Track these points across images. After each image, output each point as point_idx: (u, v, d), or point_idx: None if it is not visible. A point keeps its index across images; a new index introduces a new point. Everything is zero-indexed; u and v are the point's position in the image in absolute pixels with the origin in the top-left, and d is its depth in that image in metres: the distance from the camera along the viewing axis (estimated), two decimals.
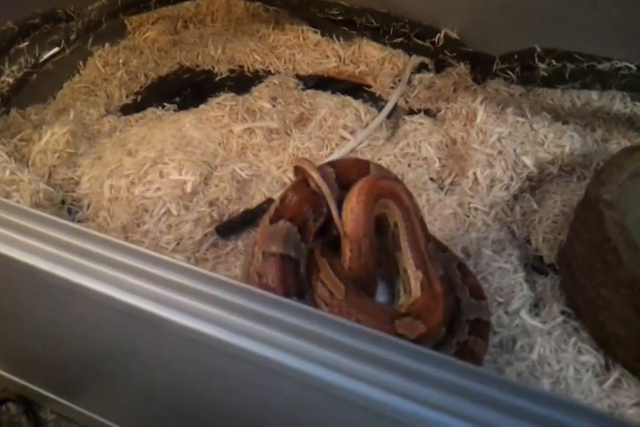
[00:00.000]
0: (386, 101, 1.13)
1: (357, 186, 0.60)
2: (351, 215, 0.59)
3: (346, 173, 0.62)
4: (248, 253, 0.58)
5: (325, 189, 0.58)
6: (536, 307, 0.77)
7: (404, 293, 0.60)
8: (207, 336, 0.41)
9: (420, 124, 1.04)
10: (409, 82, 1.16)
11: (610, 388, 0.67)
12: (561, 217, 0.89)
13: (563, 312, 0.76)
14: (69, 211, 0.89)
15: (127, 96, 1.14)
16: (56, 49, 0.90)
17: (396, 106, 1.12)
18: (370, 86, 1.18)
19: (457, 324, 0.63)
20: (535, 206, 0.92)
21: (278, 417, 0.50)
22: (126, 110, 1.11)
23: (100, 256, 0.45)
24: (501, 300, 0.75)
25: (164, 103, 1.11)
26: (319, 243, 0.61)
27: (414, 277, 0.59)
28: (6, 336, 0.64)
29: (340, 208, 0.59)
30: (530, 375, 0.67)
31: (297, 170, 0.62)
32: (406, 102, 1.15)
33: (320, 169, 0.60)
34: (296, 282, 0.55)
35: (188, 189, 0.86)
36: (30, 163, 0.91)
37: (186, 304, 0.42)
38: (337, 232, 0.60)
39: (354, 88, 1.17)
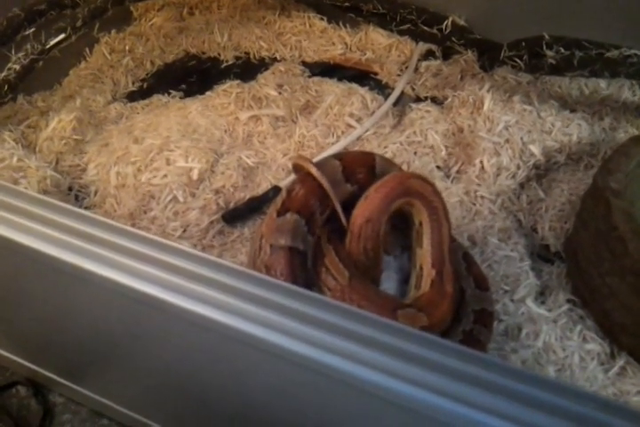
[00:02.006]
0: (392, 89, 1.12)
1: (385, 179, 0.60)
2: (364, 202, 0.60)
3: (352, 166, 0.62)
4: (254, 246, 0.58)
5: (326, 185, 0.58)
6: (542, 295, 0.77)
7: (415, 288, 0.60)
8: (213, 321, 0.41)
9: (427, 111, 1.04)
10: (416, 69, 1.16)
11: (615, 376, 0.68)
12: (567, 206, 0.89)
13: (568, 300, 0.76)
14: (76, 197, 0.89)
15: (133, 83, 1.13)
16: (62, 36, 0.90)
17: (402, 93, 1.12)
18: (376, 74, 1.17)
19: (462, 313, 0.63)
20: (542, 195, 0.92)
21: (280, 399, 0.50)
22: (132, 97, 1.11)
23: (106, 242, 0.46)
24: (507, 288, 0.76)
25: (170, 90, 1.11)
26: (326, 230, 0.61)
27: (427, 275, 0.60)
28: (15, 321, 0.65)
29: (346, 203, 0.60)
30: (535, 363, 0.68)
31: (296, 167, 0.62)
32: (413, 90, 1.15)
33: (326, 162, 0.60)
34: (304, 274, 0.55)
35: (195, 176, 0.87)
36: (37, 149, 0.92)
37: (191, 289, 0.43)
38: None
39: (360, 75, 1.17)
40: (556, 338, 0.71)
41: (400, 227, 0.66)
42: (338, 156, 0.64)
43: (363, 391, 0.40)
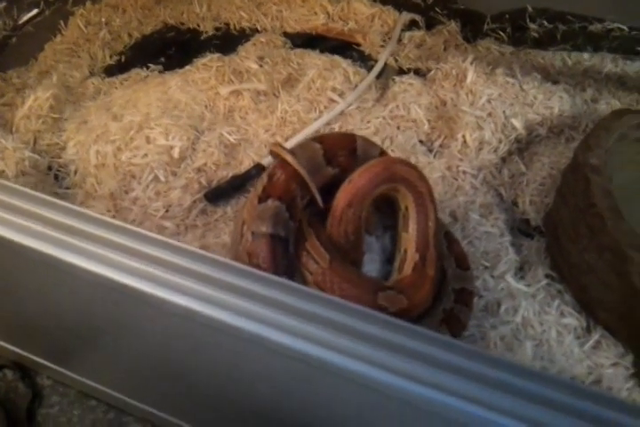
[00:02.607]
0: (375, 60, 1.11)
1: (370, 163, 0.60)
2: (347, 185, 0.61)
3: (333, 149, 0.62)
4: (236, 232, 0.58)
5: (303, 173, 0.58)
6: (521, 270, 0.79)
7: (398, 271, 0.61)
8: (189, 311, 0.42)
9: (410, 84, 1.03)
10: (399, 40, 1.14)
11: (590, 349, 0.69)
12: (548, 180, 0.90)
13: (547, 275, 0.77)
14: (56, 177, 0.88)
15: (111, 56, 1.11)
16: (35, 11, 0.88)
17: (385, 65, 1.10)
18: (359, 44, 1.15)
19: (443, 292, 0.64)
20: (523, 169, 0.93)
21: (261, 383, 0.51)
22: (110, 71, 1.08)
23: (84, 233, 0.46)
24: (487, 264, 0.77)
25: (149, 64, 1.09)
26: (307, 213, 0.61)
27: (411, 258, 0.60)
28: (1, 307, 0.65)
29: (328, 185, 0.60)
30: (513, 338, 0.69)
31: (273, 153, 0.62)
32: (396, 61, 1.13)
33: (307, 146, 0.60)
34: (285, 261, 0.56)
35: (176, 154, 0.86)
36: (14, 129, 0.90)
37: (167, 280, 0.43)
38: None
39: (343, 46, 1.15)
40: (535, 313, 0.72)
41: (383, 208, 0.66)
42: (318, 139, 0.64)
43: (338, 377, 0.41)
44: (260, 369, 0.47)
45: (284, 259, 0.55)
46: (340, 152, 0.62)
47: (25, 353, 0.70)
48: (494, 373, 0.39)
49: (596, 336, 0.70)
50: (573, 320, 0.72)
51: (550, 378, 0.39)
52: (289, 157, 0.58)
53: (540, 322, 0.71)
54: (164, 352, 0.55)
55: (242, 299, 0.42)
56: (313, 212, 0.61)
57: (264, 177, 0.59)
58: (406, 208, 0.63)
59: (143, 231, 0.45)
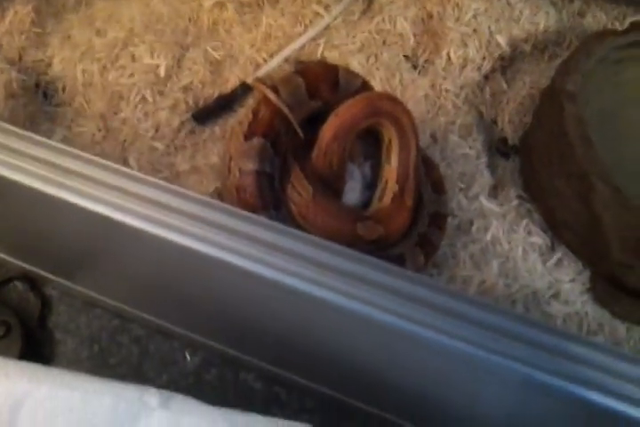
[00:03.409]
0: None
1: (356, 98, 0.63)
2: (334, 119, 0.64)
3: (315, 83, 0.64)
4: (224, 165, 0.62)
5: (285, 110, 0.60)
6: (494, 190, 0.84)
7: (378, 200, 0.66)
8: (176, 245, 0.47)
9: None
10: None
11: (552, 266, 0.76)
12: (528, 99, 0.92)
13: (519, 196, 0.82)
14: (45, 95, 0.89)
15: None
16: None
17: None
18: None
19: (418, 217, 0.69)
20: (505, 87, 0.95)
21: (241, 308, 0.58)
22: None
23: (76, 172, 0.49)
24: (462, 186, 0.81)
25: None
26: (292, 145, 0.65)
27: (390, 189, 0.65)
28: (1, 226, 0.69)
29: (311, 118, 0.63)
30: (482, 256, 0.75)
31: (256, 89, 0.64)
32: None
33: (290, 80, 0.62)
34: (272, 195, 0.60)
35: (162, 73, 0.86)
36: None
37: (157, 218, 0.47)
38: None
39: None
40: (504, 232, 0.78)
41: (365, 137, 0.69)
42: (301, 71, 0.65)
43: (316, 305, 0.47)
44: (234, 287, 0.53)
45: (270, 192, 0.60)
46: (323, 85, 0.64)
47: (32, 268, 0.75)
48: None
49: (558, 254, 0.77)
50: (539, 239, 0.78)
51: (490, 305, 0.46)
52: (271, 96, 0.60)
53: (508, 241, 0.77)
54: (156, 272, 0.60)
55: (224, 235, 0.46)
56: (297, 144, 0.65)
57: (249, 113, 0.62)
58: (389, 141, 0.66)
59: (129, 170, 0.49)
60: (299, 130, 0.62)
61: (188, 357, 0.71)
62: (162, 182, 0.49)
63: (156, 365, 0.70)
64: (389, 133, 0.66)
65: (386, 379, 0.59)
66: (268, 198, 0.59)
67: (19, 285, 0.78)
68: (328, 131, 0.63)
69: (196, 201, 0.48)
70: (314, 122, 0.65)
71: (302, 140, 0.63)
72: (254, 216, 0.46)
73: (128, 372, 0.70)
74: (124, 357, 0.71)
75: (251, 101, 0.88)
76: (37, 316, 0.75)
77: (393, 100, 0.66)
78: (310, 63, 0.89)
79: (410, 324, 0.45)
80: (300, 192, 0.61)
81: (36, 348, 0.71)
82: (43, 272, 0.75)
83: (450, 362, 0.48)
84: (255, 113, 0.61)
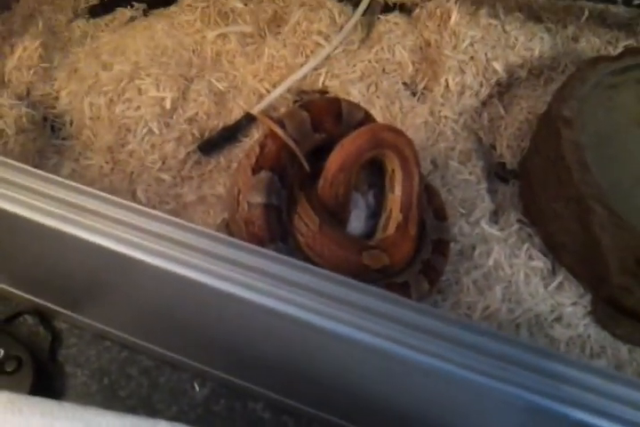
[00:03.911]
0: None
1: (360, 130, 0.66)
2: (340, 150, 0.66)
3: (319, 116, 0.66)
4: (232, 199, 0.63)
5: (291, 144, 0.62)
6: (495, 215, 0.85)
7: (383, 229, 0.67)
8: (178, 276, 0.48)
9: (395, 24, 1.04)
10: None
11: (554, 290, 0.77)
12: (525, 124, 0.94)
13: (519, 220, 0.83)
14: (52, 128, 0.91)
15: None
16: None
17: (371, 0, 1.10)
18: None
19: (422, 244, 0.71)
20: (502, 112, 0.97)
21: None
22: (95, 12, 1.07)
23: (85, 208, 0.51)
24: (464, 211, 0.82)
25: (133, 2, 1.08)
26: (298, 177, 0.66)
27: (395, 218, 0.66)
28: (15, 261, 0.71)
29: (315, 150, 0.64)
30: (484, 281, 0.76)
31: (263, 124, 0.66)
32: None
33: (295, 114, 0.64)
34: (280, 227, 0.61)
35: (167, 105, 0.88)
36: (6, 79, 0.92)
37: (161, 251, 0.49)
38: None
39: None
40: (506, 256, 0.79)
41: (369, 167, 0.71)
42: (305, 106, 0.67)
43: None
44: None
45: (278, 226, 0.61)
46: (327, 118, 0.66)
47: (41, 301, 0.76)
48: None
49: (560, 278, 0.78)
50: (540, 263, 0.79)
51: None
52: (278, 130, 0.62)
53: (509, 265, 0.78)
54: (162, 305, 0.62)
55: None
56: (303, 176, 0.66)
57: (256, 147, 0.64)
58: (393, 171, 0.68)
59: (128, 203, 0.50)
60: (305, 163, 0.64)
61: (197, 387, 0.71)
62: (168, 216, 0.50)
63: (165, 396, 0.71)
64: (393, 164, 0.68)
65: (392, 406, 0.59)
66: (275, 231, 0.61)
67: (29, 318, 0.79)
68: (334, 162, 0.65)
69: (202, 235, 0.49)
70: (318, 153, 0.67)
71: (308, 172, 0.65)
72: (261, 249, 0.48)
73: (138, 404, 0.71)
74: (133, 389, 0.72)
75: (255, 131, 0.90)
76: (48, 349, 0.76)
77: (395, 131, 0.68)
78: (314, 97, 0.91)
79: (416, 353, 0.46)
80: (306, 223, 0.63)
81: (47, 381, 0.72)
82: (52, 306, 0.76)
83: (458, 391, 0.49)
84: (262, 147, 0.63)
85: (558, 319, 0.75)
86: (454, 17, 0.99)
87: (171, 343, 0.72)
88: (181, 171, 0.86)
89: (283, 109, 0.93)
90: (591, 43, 1.04)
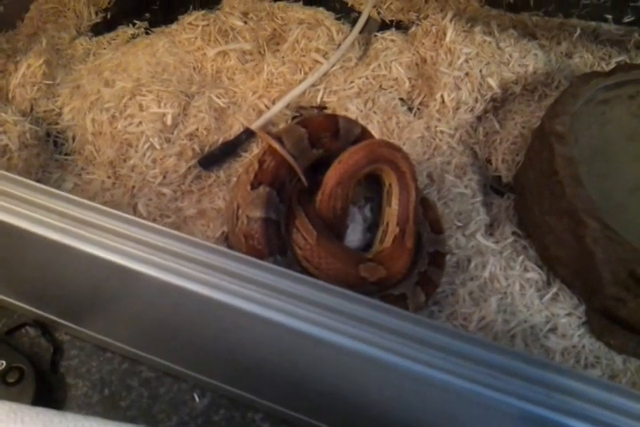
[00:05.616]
0: (358, 13, 1.14)
1: (358, 146, 0.68)
2: (337, 165, 0.67)
3: (317, 132, 0.67)
4: (232, 213, 0.65)
5: (290, 160, 0.64)
6: (490, 227, 0.86)
7: (380, 242, 0.69)
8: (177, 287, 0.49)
9: (392, 41, 1.06)
10: None
11: (548, 301, 0.78)
12: (520, 138, 0.96)
13: (514, 233, 0.85)
14: (55, 143, 0.92)
15: (97, 13, 1.12)
16: None
17: (369, 18, 1.12)
18: None
19: (418, 256, 0.72)
20: (497, 127, 0.98)
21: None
22: (97, 30, 1.10)
23: (85, 221, 0.52)
24: (460, 224, 0.84)
25: (135, 20, 1.11)
26: (296, 191, 0.68)
27: (392, 231, 0.68)
28: (16, 274, 0.72)
29: (313, 165, 0.66)
30: (480, 293, 0.78)
31: (262, 140, 0.67)
32: (379, 14, 1.16)
33: (293, 131, 0.65)
34: (278, 241, 0.63)
35: (169, 121, 0.90)
36: (10, 96, 0.94)
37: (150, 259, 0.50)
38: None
39: None
40: (501, 268, 0.80)
41: (366, 181, 0.73)
42: (303, 123, 0.69)
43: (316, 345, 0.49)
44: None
45: (276, 239, 0.63)
46: (324, 135, 0.68)
47: (43, 313, 0.77)
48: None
49: (554, 289, 0.79)
50: (535, 275, 0.80)
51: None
52: (277, 146, 0.64)
53: (505, 277, 0.80)
54: (161, 318, 0.63)
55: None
56: (301, 190, 0.68)
57: (255, 164, 0.65)
58: (390, 185, 0.70)
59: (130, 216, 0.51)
60: (303, 178, 0.65)
61: (197, 398, 0.72)
62: (168, 230, 0.51)
63: (165, 407, 0.71)
64: (390, 178, 0.69)
65: (389, 415, 0.60)
66: (274, 244, 0.62)
67: (30, 330, 0.79)
68: (332, 177, 0.67)
69: (202, 247, 0.51)
70: (316, 168, 0.68)
71: (306, 186, 0.66)
72: (259, 262, 0.49)
73: (138, 414, 0.71)
74: (134, 399, 0.72)
75: (254, 147, 0.92)
76: (49, 360, 0.77)
77: (392, 147, 0.70)
78: (312, 113, 0.93)
79: (413, 363, 0.47)
80: (304, 236, 0.64)
81: (49, 392, 0.73)
82: (54, 317, 0.77)
83: (454, 400, 0.50)
84: (261, 163, 0.64)
85: (553, 330, 0.76)
86: (449, 34, 1.02)
87: (171, 354, 0.73)
88: (182, 185, 0.87)
89: (282, 125, 0.95)
90: (584, 58, 1.06)
